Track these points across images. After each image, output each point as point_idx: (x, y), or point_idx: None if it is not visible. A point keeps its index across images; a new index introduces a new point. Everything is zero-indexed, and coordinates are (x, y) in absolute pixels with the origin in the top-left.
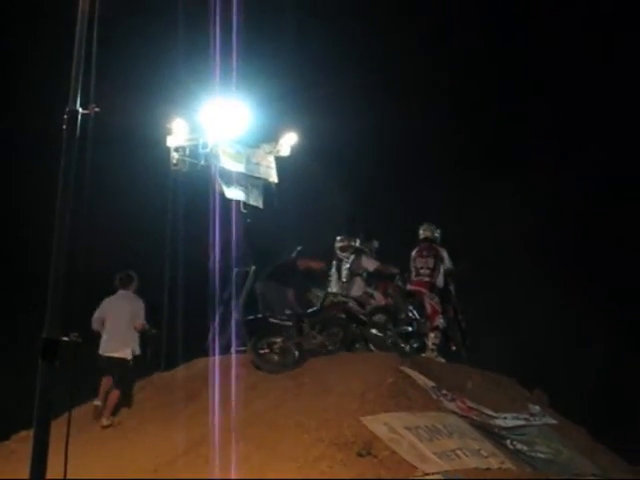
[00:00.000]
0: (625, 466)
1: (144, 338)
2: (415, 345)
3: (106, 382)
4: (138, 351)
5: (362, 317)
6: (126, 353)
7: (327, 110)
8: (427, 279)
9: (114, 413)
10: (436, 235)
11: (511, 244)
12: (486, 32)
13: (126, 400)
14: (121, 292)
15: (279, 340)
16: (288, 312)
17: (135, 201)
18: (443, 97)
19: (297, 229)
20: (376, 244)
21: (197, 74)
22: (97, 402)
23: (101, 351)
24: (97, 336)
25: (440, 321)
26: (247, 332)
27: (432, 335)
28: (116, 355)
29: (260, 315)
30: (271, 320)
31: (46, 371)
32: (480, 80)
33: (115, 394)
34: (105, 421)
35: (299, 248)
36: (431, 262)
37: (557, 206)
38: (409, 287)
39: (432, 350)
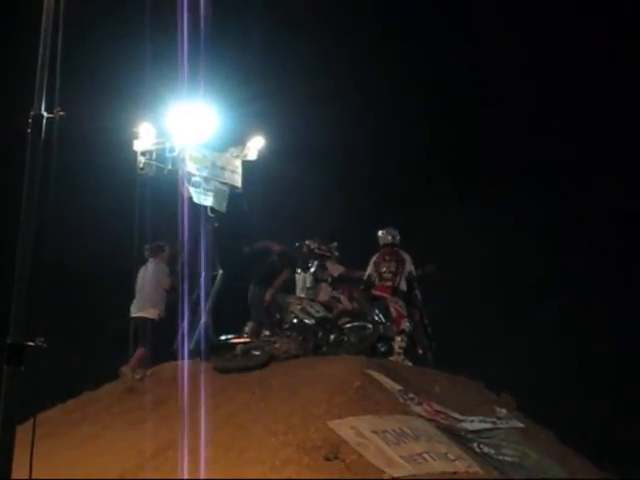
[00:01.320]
0: (593, 470)
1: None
2: (382, 349)
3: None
4: (162, 314)
5: (329, 321)
6: (148, 313)
7: (295, 114)
8: (389, 283)
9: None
10: (397, 239)
11: (477, 249)
12: (455, 35)
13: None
14: (150, 260)
15: (243, 343)
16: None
17: (102, 205)
18: (414, 100)
19: (265, 232)
20: (334, 244)
21: (164, 78)
22: (124, 368)
23: (130, 314)
24: None
25: (406, 324)
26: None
27: (398, 339)
28: (138, 315)
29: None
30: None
31: (11, 376)
32: (451, 81)
33: (140, 351)
34: (124, 370)
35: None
36: (393, 266)
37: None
38: (373, 292)
39: (399, 354)
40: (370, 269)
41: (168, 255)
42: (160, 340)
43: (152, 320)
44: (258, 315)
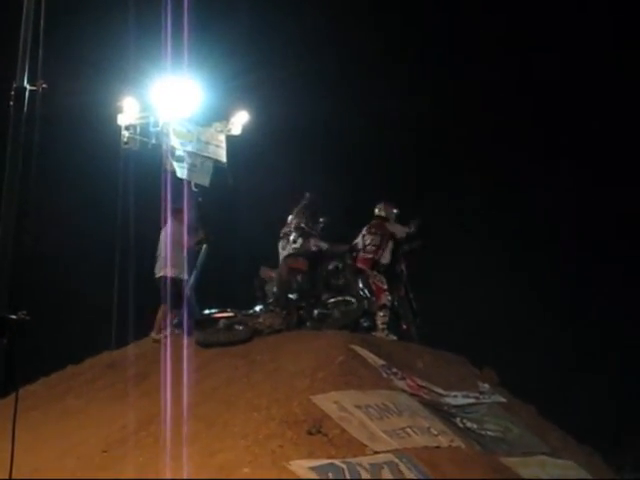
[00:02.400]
0: (575, 444)
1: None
2: (366, 324)
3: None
4: (182, 274)
5: (312, 296)
6: (168, 272)
7: (280, 89)
8: (370, 256)
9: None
10: (392, 214)
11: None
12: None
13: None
14: (169, 222)
15: (226, 317)
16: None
17: (85, 179)
18: (401, 77)
19: (250, 208)
20: (322, 223)
21: (148, 52)
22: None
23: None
24: None
25: (387, 299)
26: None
27: (380, 314)
28: (159, 274)
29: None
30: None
31: None
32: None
33: (161, 309)
34: (154, 335)
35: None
36: (377, 239)
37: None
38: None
39: (382, 330)
40: (358, 239)
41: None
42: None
43: (173, 279)
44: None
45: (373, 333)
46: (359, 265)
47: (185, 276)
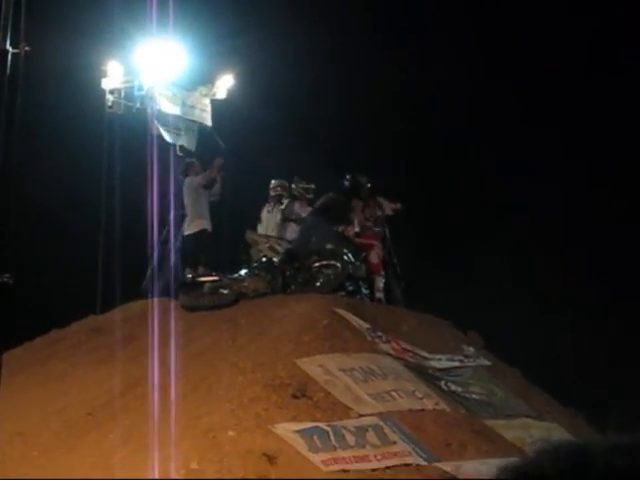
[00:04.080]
0: (559, 407)
1: None
2: (350, 288)
3: None
4: (205, 225)
5: (297, 260)
6: (192, 228)
7: (265, 52)
8: (378, 229)
9: None
10: (361, 186)
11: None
12: None
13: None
14: (185, 180)
15: (210, 281)
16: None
17: (69, 144)
18: (386, 39)
19: (235, 171)
20: (313, 185)
21: (133, 15)
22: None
23: None
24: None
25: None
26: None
27: (379, 278)
28: (186, 234)
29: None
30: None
31: None
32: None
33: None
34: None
35: None
36: (376, 212)
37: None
38: (361, 240)
39: (379, 297)
40: (357, 216)
41: (197, 170)
42: (212, 250)
43: (196, 233)
44: None
45: (377, 296)
46: (367, 241)
47: (209, 228)
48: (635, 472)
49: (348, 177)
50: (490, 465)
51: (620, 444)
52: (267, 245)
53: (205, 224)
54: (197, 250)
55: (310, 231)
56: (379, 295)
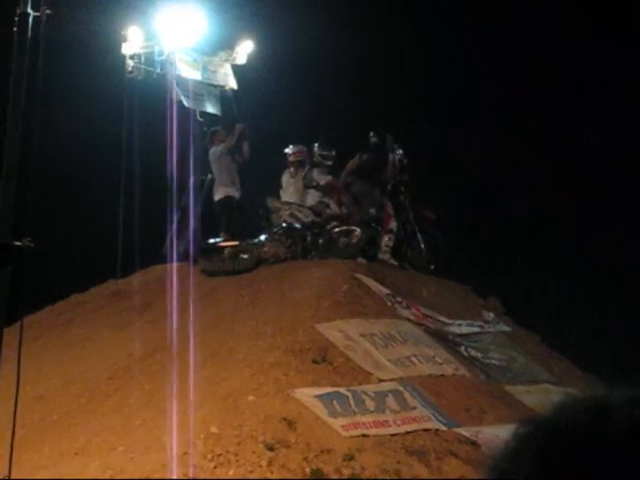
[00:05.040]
0: (579, 373)
1: None
2: (370, 253)
3: None
4: (232, 192)
5: (317, 225)
6: (219, 194)
7: (285, 18)
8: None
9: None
10: (387, 141)
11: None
12: None
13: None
14: (210, 150)
15: (230, 246)
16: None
17: (90, 109)
18: (411, 9)
19: (255, 138)
20: (333, 152)
21: None
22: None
23: None
24: None
25: (394, 224)
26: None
27: (386, 238)
28: (215, 200)
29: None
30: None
31: None
32: None
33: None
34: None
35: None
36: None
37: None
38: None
39: (385, 252)
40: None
41: (223, 138)
42: (240, 213)
43: (221, 200)
44: None
45: (379, 256)
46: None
47: (237, 194)
48: None
49: (372, 134)
50: (510, 430)
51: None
52: (288, 212)
53: (230, 191)
54: (224, 216)
55: (356, 198)
56: (381, 256)
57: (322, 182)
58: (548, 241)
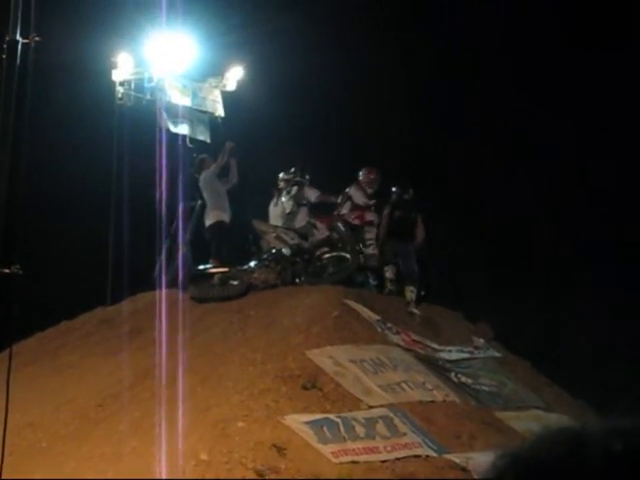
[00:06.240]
0: (568, 399)
1: None
2: (359, 280)
3: None
4: (223, 217)
5: (306, 252)
6: (209, 219)
7: (275, 45)
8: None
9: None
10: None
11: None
12: None
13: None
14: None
15: (220, 272)
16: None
17: (79, 135)
18: (397, 33)
19: (241, 163)
20: (308, 177)
21: (143, 7)
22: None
23: None
24: None
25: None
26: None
27: (388, 267)
28: (206, 225)
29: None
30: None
31: None
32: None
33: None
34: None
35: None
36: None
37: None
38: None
39: (390, 290)
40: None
41: (210, 163)
42: (229, 239)
43: (212, 225)
44: None
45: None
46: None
47: (227, 219)
48: (633, 456)
49: (397, 189)
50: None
51: (618, 428)
52: (274, 235)
53: (222, 215)
54: (215, 241)
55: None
56: (390, 287)
57: (312, 199)
58: (538, 267)
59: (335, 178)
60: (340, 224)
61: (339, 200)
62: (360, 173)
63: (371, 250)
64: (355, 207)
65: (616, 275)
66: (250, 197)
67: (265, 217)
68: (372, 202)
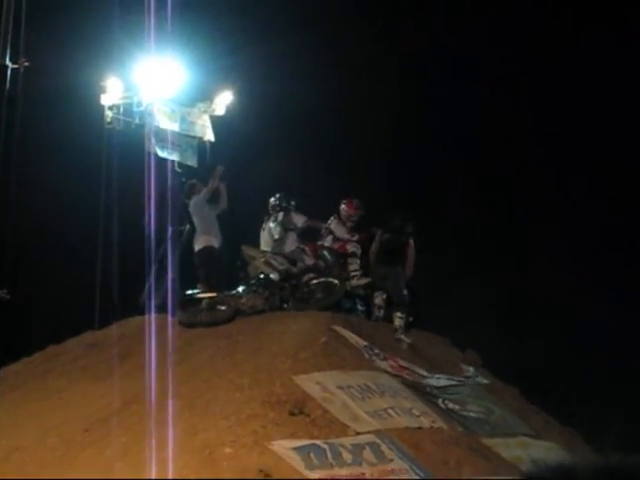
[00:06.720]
0: (557, 426)
1: None
2: (347, 305)
3: None
4: (212, 242)
5: (293, 278)
6: (198, 244)
7: (263, 69)
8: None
9: None
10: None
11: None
12: None
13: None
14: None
15: (208, 297)
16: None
17: (68, 159)
18: (387, 57)
19: (230, 188)
20: (293, 203)
21: (132, 32)
22: None
23: None
24: None
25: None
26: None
27: (378, 293)
28: (195, 250)
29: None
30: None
31: None
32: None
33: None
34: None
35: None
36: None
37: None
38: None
39: (377, 316)
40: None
41: (200, 188)
42: (218, 264)
43: (201, 250)
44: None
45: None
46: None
47: (217, 244)
48: None
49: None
50: None
51: (607, 466)
52: (263, 260)
53: (211, 240)
54: (203, 266)
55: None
56: (378, 314)
57: (299, 224)
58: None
59: (326, 200)
60: (326, 252)
61: (322, 232)
62: (341, 207)
63: (355, 281)
64: (337, 239)
65: (609, 298)
66: (240, 222)
67: (255, 242)
68: (355, 237)
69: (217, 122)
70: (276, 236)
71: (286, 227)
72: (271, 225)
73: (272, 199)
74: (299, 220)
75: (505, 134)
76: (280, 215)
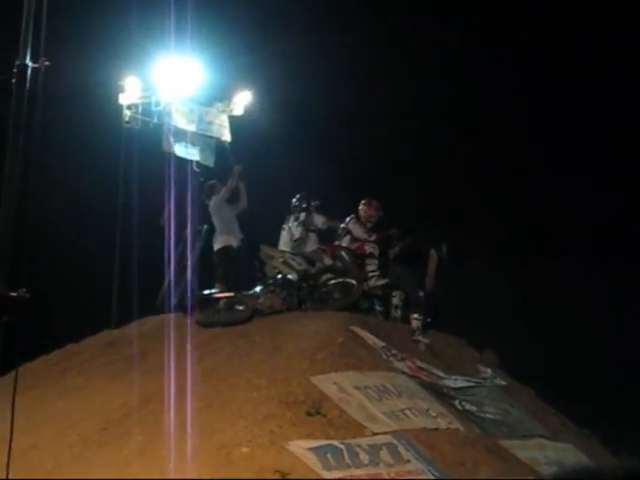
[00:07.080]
0: (574, 428)
1: None
2: (364, 306)
3: None
4: (231, 242)
5: (311, 278)
6: (218, 244)
7: (282, 69)
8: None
9: None
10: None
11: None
12: None
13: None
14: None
15: (225, 297)
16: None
17: (87, 158)
18: (405, 55)
19: (249, 188)
20: (317, 203)
21: (151, 31)
22: None
23: None
24: None
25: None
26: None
27: (396, 293)
28: (214, 249)
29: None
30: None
31: None
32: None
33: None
34: None
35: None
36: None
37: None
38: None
39: (395, 316)
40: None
41: (220, 188)
42: (238, 265)
43: (220, 249)
44: None
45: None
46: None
47: (236, 244)
48: None
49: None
50: None
51: (631, 471)
52: (281, 260)
53: (230, 240)
54: (221, 266)
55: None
56: (395, 313)
57: (320, 225)
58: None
59: (347, 199)
60: (344, 252)
61: (339, 232)
62: (360, 207)
63: (373, 282)
64: (355, 240)
65: (630, 301)
66: (259, 222)
67: (274, 242)
68: (372, 237)
69: (235, 122)
70: (297, 236)
71: (307, 228)
72: (292, 225)
73: (294, 199)
74: (319, 221)
75: (509, 137)
76: (302, 215)
